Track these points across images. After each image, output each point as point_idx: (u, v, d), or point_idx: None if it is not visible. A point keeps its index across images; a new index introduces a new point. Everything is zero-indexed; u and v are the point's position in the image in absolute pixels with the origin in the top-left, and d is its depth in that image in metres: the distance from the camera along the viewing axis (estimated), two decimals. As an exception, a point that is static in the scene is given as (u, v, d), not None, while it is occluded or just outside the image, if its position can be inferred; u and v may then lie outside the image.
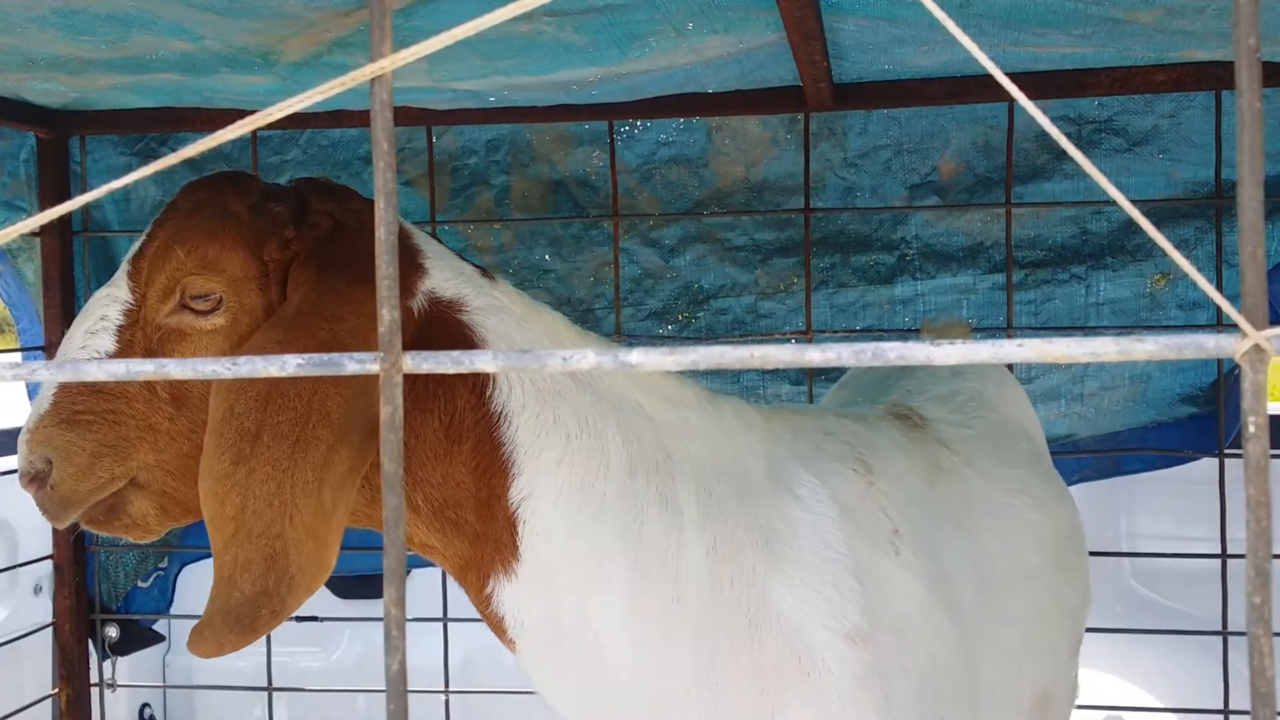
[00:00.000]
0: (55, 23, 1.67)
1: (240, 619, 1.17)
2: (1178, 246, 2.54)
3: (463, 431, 1.28)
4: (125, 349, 1.32)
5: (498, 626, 1.36)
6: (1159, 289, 2.58)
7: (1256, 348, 0.56)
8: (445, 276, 1.35)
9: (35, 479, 1.33)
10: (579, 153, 2.73)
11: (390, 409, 0.62)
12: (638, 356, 0.63)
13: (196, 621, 1.19)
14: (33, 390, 2.91)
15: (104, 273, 2.90)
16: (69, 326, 2.79)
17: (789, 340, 2.71)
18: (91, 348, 1.33)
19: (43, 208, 2.79)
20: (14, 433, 3.01)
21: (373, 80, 0.63)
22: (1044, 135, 2.58)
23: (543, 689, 1.39)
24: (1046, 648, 1.75)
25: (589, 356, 0.64)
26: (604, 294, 2.75)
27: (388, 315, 0.63)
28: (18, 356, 2.88)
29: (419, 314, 1.32)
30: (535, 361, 0.64)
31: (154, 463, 1.32)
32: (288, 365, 0.65)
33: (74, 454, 1.30)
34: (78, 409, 1.30)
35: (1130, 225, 2.58)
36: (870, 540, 1.43)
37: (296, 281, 1.29)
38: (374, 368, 0.63)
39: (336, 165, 2.81)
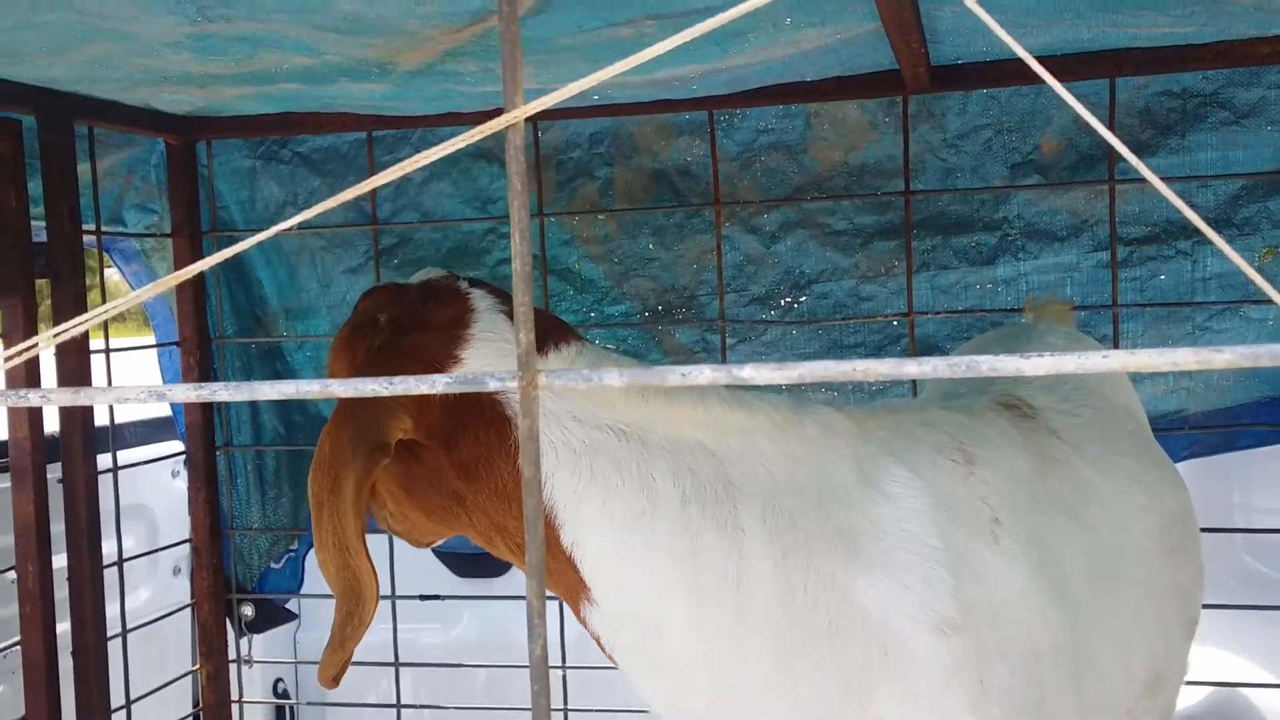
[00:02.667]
0: (189, 46, 1.78)
1: (334, 641, 1.45)
2: (1287, 219, 2.51)
3: (509, 495, 1.44)
4: None
5: (597, 642, 1.50)
6: (1267, 262, 2.55)
7: (1331, 358, 0.60)
8: (486, 357, 1.47)
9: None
10: (680, 142, 2.78)
11: (529, 421, 0.70)
12: (749, 372, 0.69)
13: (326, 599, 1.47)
14: (168, 381, 3.07)
15: (231, 272, 3.06)
16: (200, 323, 2.94)
17: (890, 323, 2.74)
18: None
19: (173, 210, 2.94)
20: (153, 423, 3.18)
21: (507, 128, 0.70)
22: (1148, 110, 2.56)
23: (640, 695, 1.51)
24: (1158, 630, 1.77)
25: (705, 373, 0.70)
26: (707, 280, 2.81)
27: (524, 339, 0.70)
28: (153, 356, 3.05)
29: (447, 400, 1.47)
30: (656, 378, 0.71)
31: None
32: (437, 384, 0.72)
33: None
34: None
35: (1237, 198, 2.55)
36: (967, 529, 1.47)
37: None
38: (513, 385, 0.70)
39: (446, 162, 2.91)
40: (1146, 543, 1.73)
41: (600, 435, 1.41)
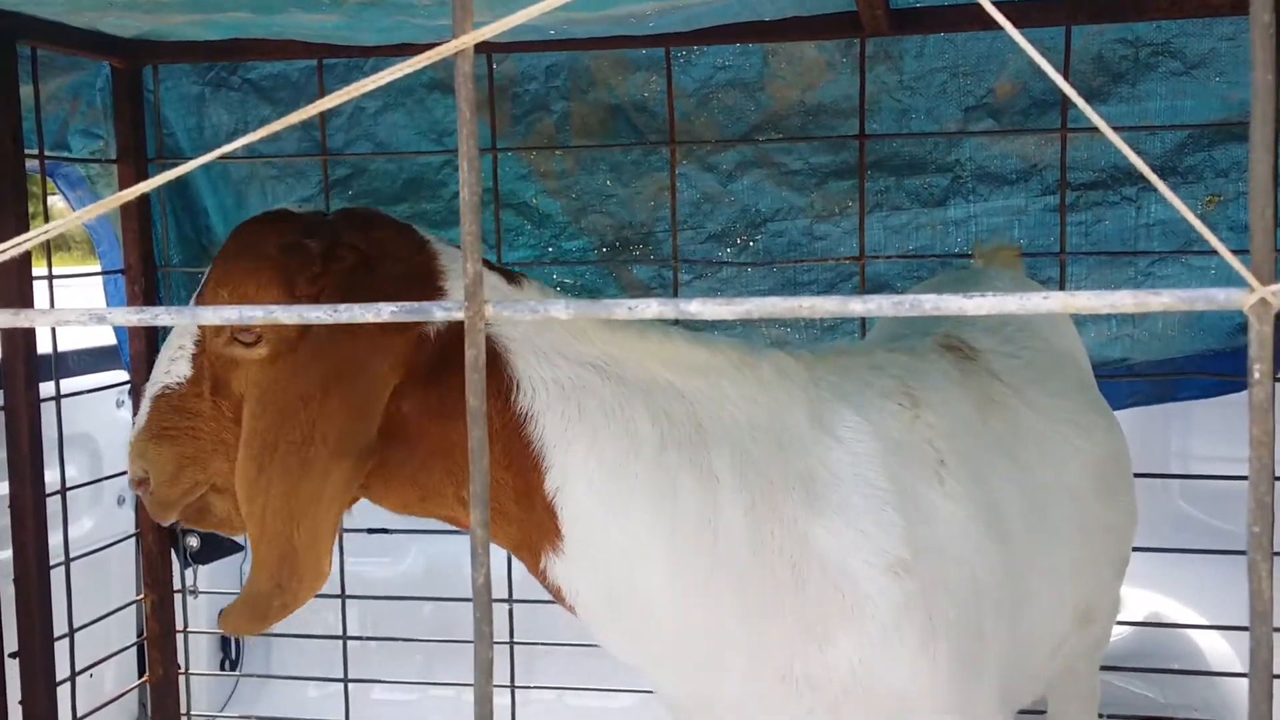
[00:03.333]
0: (135, -33, 1.74)
1: (256, 607, 1.36)
2: (1229, 169, 2.55)
3: (492, 434, 1.37)
4: (198, 373, 1.46)
5: (556, 595, 1.47)
6: (1210, 210, 2.58)
7: (1262, 301, 0.62)
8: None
9: (140, 484, 1.51)
10: (636, 78, 2.76)
11: (474, 352, 0.70)
12: (696, 306, 0.69)
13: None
14: (114, 302, 3.03)
15: (178, 199, 3.01)
16: (145, 251, 2.89)
17: (842, 263, 2.75)
18: (174, 371, 1.48)
19: (118, 136, 2.88)
20: (97, 352, 3.14)
21: (456, 54, 0.69)
22: (1101, 57, 2.57)
23: (602, 644, 1.51)
24: (1089, 567, 1.82)
25: (652, 306, 0.71)
26: (665, 217, 2.80)
27: (471, 269, 0.70)
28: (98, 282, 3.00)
29: (436, 336, 1.40)
30: (603, 310, 0.71)
31: (228, 470, 1.46)
32: (382, 312, 0.72)
33: (164, 465, 1.48)
34: (165, 425, 1.47)
35: (1184, 147, 2.58)
36: (914, 472, 1.50)
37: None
38: (459, 315, 0.70)
39: (401, 93, 2.87)
40: (1081, 483, 1.77)
41: (585, 373, 1.39)
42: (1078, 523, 1.76)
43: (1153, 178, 0.63)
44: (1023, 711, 1.98)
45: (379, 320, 0.72)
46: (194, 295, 1.50)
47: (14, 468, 2.53)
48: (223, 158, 2.94)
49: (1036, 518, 1.66)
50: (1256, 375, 0.63)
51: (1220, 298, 0.64)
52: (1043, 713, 2.39)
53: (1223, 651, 2.97)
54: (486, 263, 1.50)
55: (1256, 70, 0.61)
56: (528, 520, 1.40)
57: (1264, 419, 0.63)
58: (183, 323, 0.78)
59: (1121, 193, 2.64)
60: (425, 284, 1.42)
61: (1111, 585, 1.95)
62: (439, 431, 1.39)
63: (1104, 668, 2.56)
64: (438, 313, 0.71)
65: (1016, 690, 1.68)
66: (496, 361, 1.38)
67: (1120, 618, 2.63)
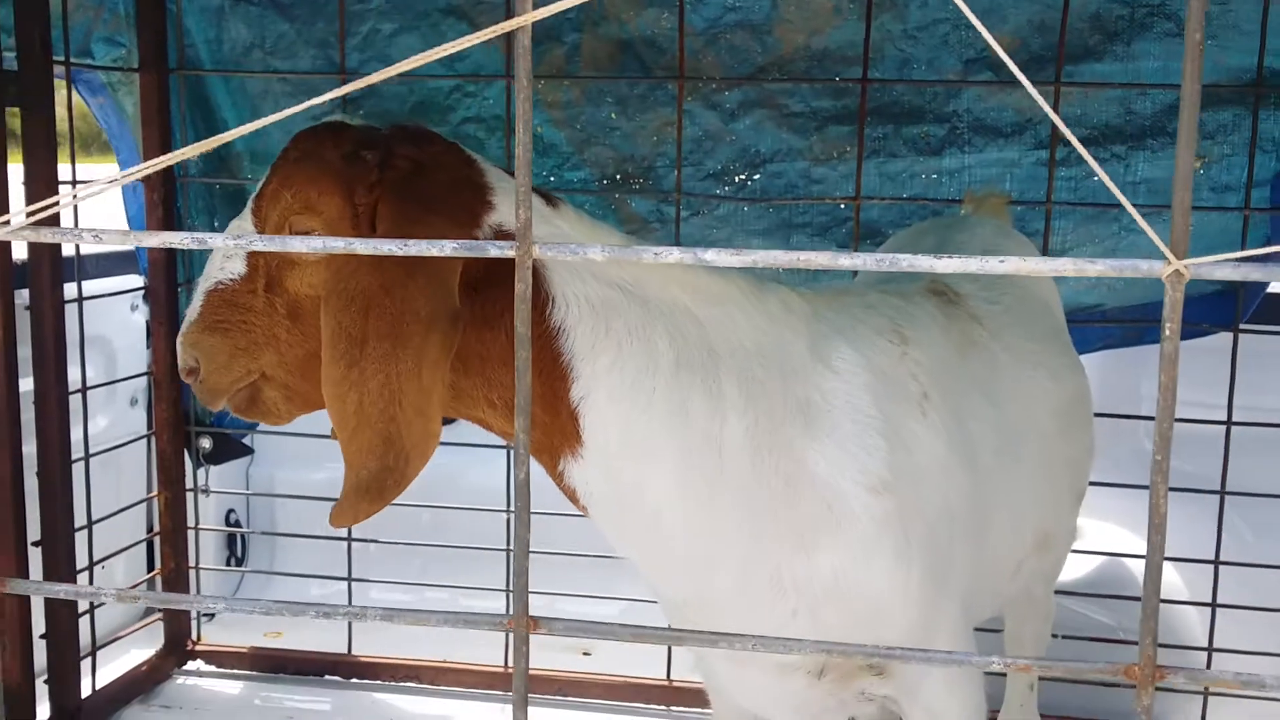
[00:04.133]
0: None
1: (370, 490, 1.41)
2: (1215, 132, 2.66)
3: None
4: (252, 270, 1.55)
5: (571, 496, 1.58)
6: (1196, 170, 2.70)
7: (1177, 272, 0.75)
8: (512, 209, 1.51)
9: (190, 373, 1.60)
10: (648, 13, 2.85)
11: (523, 286, 0.82)
12: (711, 255, 0.82)
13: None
14: (132, 215, 3.13)
15: (196, 110, 3.10)
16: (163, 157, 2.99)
17: (838, 206, 2.87)
18: (228, 268, 1.56)
19: (141, 44, 2.97)
20: (113, 257, 3.25)
21: (516, 30, 0.81)
22: (1098, 16, 2.67)
23: (612, 541, 1.63)
24: (1050, 497, 1.97)
25: (674, 254, 0.83)
26: (666, 153, 2.91)
27: (523, 214, 0.82)
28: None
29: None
30: (633, 255, 0.84)
31: (277, 362, 1.56)
32: (445, 248, 0.84)
33: (216, 354, 1.56)
34: (218, 318, 1.56)
35: (1174, 108, 2.69)
36: (900, 403, 1.63)
37: (383, 218, 1.47)
38: (511, 253, 0.82)
39: (416, 16, 2.95)
40: (1046, 421, 1.92)
41: (613, 293, 1.49)
42: (1041, 457, 1.90)
43: (1079, 147, 0.75)
44: (980, 629, 2.14)
45: (443, 255, 0.84)
46: (252, 197, 1.58)
47: (40, 365, 2.65)
48: (240, 71, 3.02)
49: (1005, 451, 1.81)
50: (1167, 332, 0.77)
51: (1144, 267, 0.77)
52: (1000, 630, 2.57)
53: (1172, 582, 3.15)
54: (536, 189, 1.58)
55: (1186, 81, 0.74)
56: (551, 425, 1.51)
57: (1170, 368, 0.77)
58: (274, 249, 0.90)
59: (1111, 150, 2.76)
60: (476, 196, 1.51)
61: (1069, 515, 2.11)
62: (476, 339, 1.48)
63: (1063, 592, 2.74)
64: (492, 250, 0.84)
65: (978, 604, 1.84)
66: (536, 277, 1.45)
67: (1083, 548, 2.81)
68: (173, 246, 0.96)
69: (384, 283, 1.41)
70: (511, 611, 0.86)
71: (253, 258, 1.55)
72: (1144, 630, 0.79)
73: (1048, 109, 0.79)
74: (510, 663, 3.00)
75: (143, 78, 2.99)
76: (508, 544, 3.02)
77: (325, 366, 1.43)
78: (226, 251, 1.55)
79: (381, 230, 1.46)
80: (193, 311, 1.58)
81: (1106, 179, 0.77)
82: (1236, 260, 0.77)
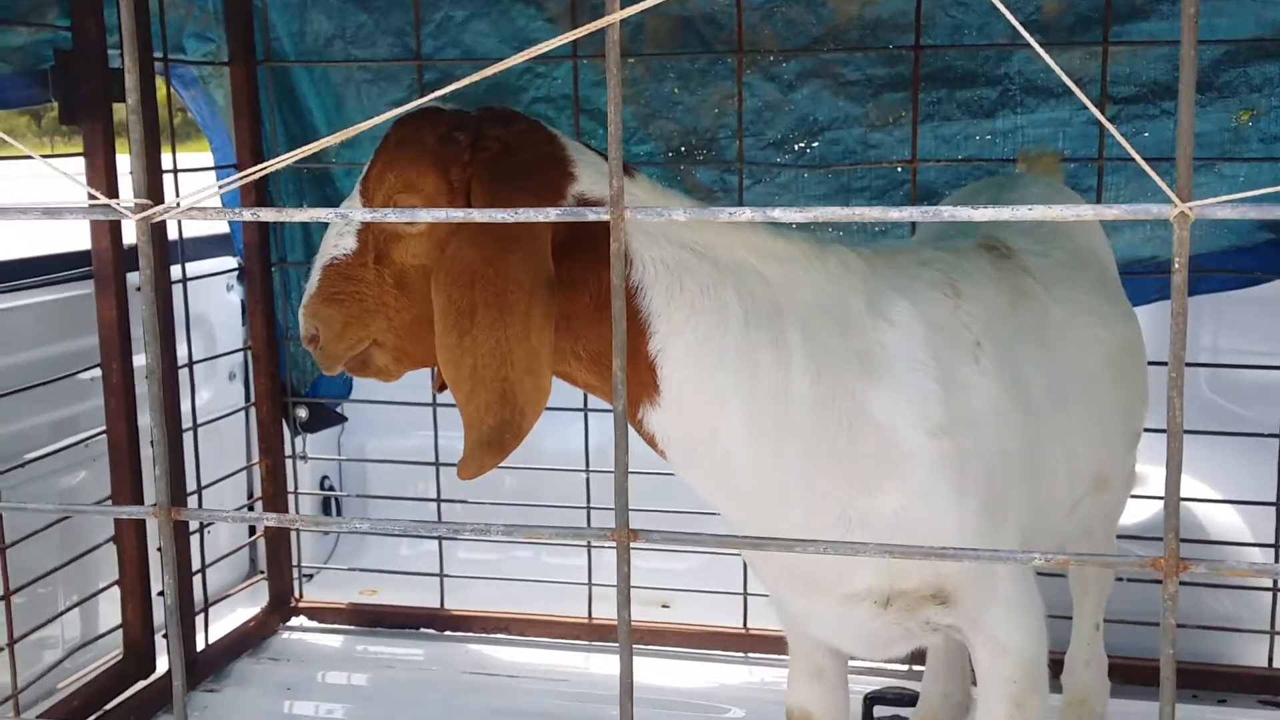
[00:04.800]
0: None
1: (491, 445, 1.56)
2: (1262, 85, 2.73)
3: (609, 302, 1.56)
4: (363, 245, 1.70)
5: (650, 441, 1.71)
6: (1243, 123, 2.77)
7: (1182, 214, 0.87)
8: (591, 179, 1.65)
9: (311, 341, 1.76)
10: (707, -9, 2.97)
11: (617, 245, 0.96)
12: (778, 213, 0.96)
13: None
14: (226, 200, 3.32)
15: (283, 100, 3.27)
16: (255, 147, 3.16)
17: (895, 169, 2.97)
18: (341, 245, 1.72)
19: (229, 38, 3.15)
20: (210, 240, 3.45)
21: (608, 28, 0.95)
22: (1146, -25, 2.74)
23: (687, 482, 1.77)
24: (1103, 440, 2.08)
25: (745, 212, 0.97)
26: (727, 125, 3.03)
27: (615, 184, 0.96)
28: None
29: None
30: (710, 215, 0.97)
31: (387, 328, 1.71)
32: (550, 214, 0.99)
33: (333, 323, 1.72)
34: (334, 290, 1.71)
35: (1220, 63, 2.76)
36: (954, 352, 1.75)
37: (476, 194, 1.62)
38: (606, 217, 0.97)
39: (486, 2, 3.10)
40: (1098, 368, 2.03)
41: (685, 254, 1.63)
42: (1094, 401, 2.01)
43: (1089, 104, 0.88)
44: (1043, 573, 2.25)
45: (548, 220, 0.99)
46: (359, 181, 1.74)
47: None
48: (323, 61, 3.19)
49: (1057, 395, 1.92)
50: (1177, 265, 0.90)
51: (1154, 210, 0.89)
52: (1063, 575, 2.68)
53: (1235, 524, 3.23)
54: (603, 154, 1.72)
55: (1185, 48, 0.86)
56: (631, 376, 1.64)
57: (1180, 297, 0.89)
58: (398, 220, 1.05)
59: (1161, 106, 2.84)
60: (559, 170, 1.65)
61: (1124, 457, 2.21)
62: (564, 299, 1.61)
63: (1126, 536, 2.84)
64: (590, 215, 0.98)
65: (1036, 540, 1.95)
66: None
67: (1145, 493, 2.90)
68: (319, 220, 1.10)
69: (486, 256, 1.55)
70: (615, 526, 1.00)
71: (363, 234, 1.69)
72: (1167, 527, 0.92)
73: (1059, 72, 0.91)
74: (591, 615, 3.18)
75: (232, 71, 3.17)
76: (587, 503, 3.18)
77: (440, 336, 1.58)
78: (339, 229, 1.71)
79: (476, 205, 1.60)
80: (311, 285, 1.74)
81: (1116, 134, 0.89)
82: (1236, 201, 0.89)
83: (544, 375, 1.57)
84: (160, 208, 0.98)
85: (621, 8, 0.96)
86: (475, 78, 0.99)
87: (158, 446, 0.99)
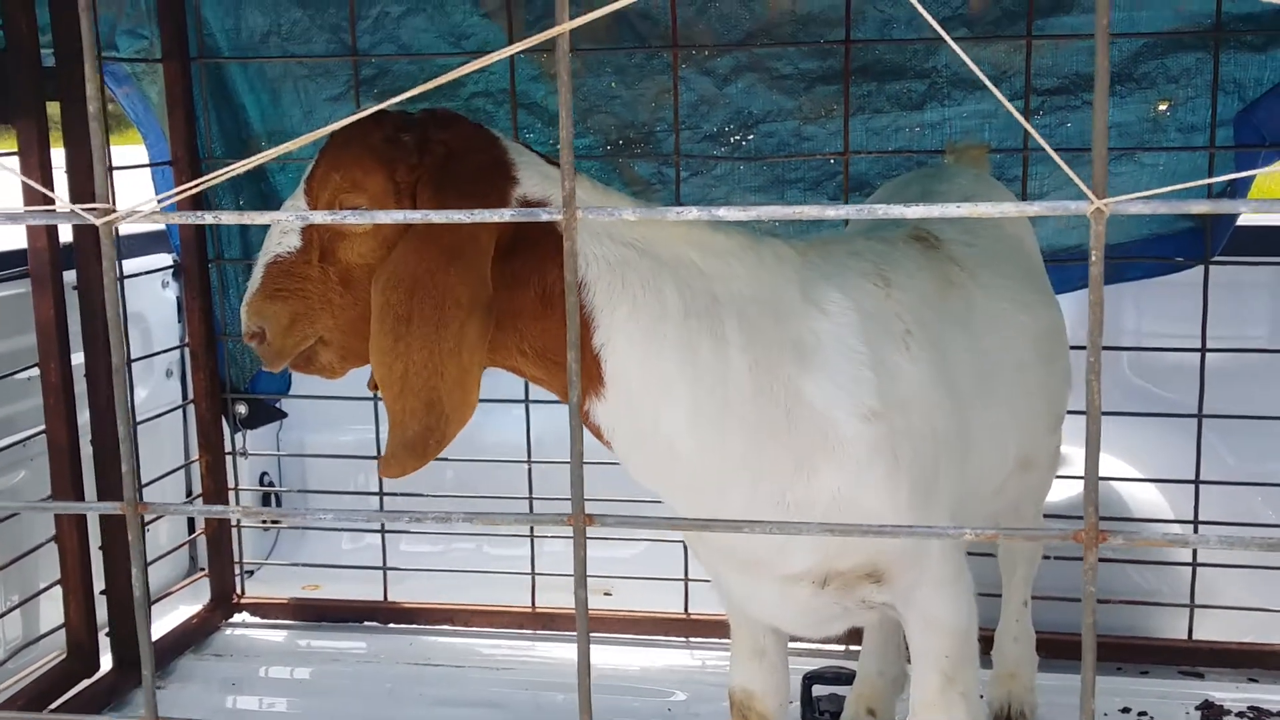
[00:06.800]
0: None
1: (414, 448, 1.61)
2: (1180, 76, 2.84)
3: (554, 299, 1.67)
4: (307, 243, 1.72)
5: (595, 432, 1.76)
6: (1161, 114, 2.88)
7: (1098, 210, 0.94)
8: (534, 181, 1.70)
9: (253, 337, 1.78)
10: (642, -13, 3.01)
11: (570, 244, 1.01)
12: (724, 212, 1.01)
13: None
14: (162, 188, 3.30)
15: (217, 96, 3.26)
16: (190, 144, 3.15)
17: (828, 161, 3.05)
18: (285, 243, 1.74)
19: (162, 34, 3.14)
20: (145, 237, 3.43)
21: (557, 37, 0.99)
22: (1067, -29, 2.83)
23: (632, 472, 1.83)
24: (1028, 422, 2.17)
25: (691, 211, 1.02)
26: (664, 118, 3.08)
27: (568, 185, 1.01)
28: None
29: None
30: (658, 214, 1.02)
31: (333, 325, 1.74)
32: (504, 214, 1.03)
33: (278, 319, 1.74)
34: (278, 287, 1.73)
35: (1139, 55, 2.86)
36: (886, 339, 1.82)
37: (422, 197, 1.66)
38: (559, 217, 1.01)
39: (423, -2, 3.11)
40: (1022, 352, 2.11)
41: (626, 250, 1.68)
42: (1019, 385, 2.10)
43: (1003, 100, 0.94)
44: (974, 553, 2.34)
45: (502, 220, 1.03)
46: (303, 180, 1.76)
47: (91, 341, 2.84)
48: (258, 57, 3.19)
49: (984, 379, 2.00)
50: (1094, 258, 0.96)
51: (1072, 206, 0.95)
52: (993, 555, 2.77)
53: (1156, 502, 3.36)
54: (547, 158, 1.77)
55: (1099, 57, 0.92)
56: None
57: (1097, 288, 0.95)
58: (355, 223, 1.08)
59: (1083, 98, 2.93)
60: (502, 174, 1.69)
61: (1049, 439, 2.30)
62: (509, 297, 1.67)
63: (1052, 515, 2.94)
64: (544, 215, 1.02)
65: (966, 519, 2.03)
66: (561, 240, 1.63)
67: (1070, 473, 3.00)
68: (279, 221, 1.13)
69: (428, 267, 1.59)
70: (571, 511, 1.05)
71: (307, 233, 1.72)
72: (1086, 500, 0.98)
73: (974, 66, 0.97)
74: (535, 604, 3.22)
75: (166, 67, 3.16)
76: (529, 494, 3.21)
77: (374, 337, 1.61)
78: (283, 227, 1.73)
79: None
80: (254, 282, 1.76)
81: (1029, 127, 0.95)
82: (1149, 197, 0.95)
83: (472, 390, 1.62)
84: (124, 211, 1.01)
85: (571, 17, 1.00)
86: (426, 87, 1.02)
87: (123, 444, 1.02)
